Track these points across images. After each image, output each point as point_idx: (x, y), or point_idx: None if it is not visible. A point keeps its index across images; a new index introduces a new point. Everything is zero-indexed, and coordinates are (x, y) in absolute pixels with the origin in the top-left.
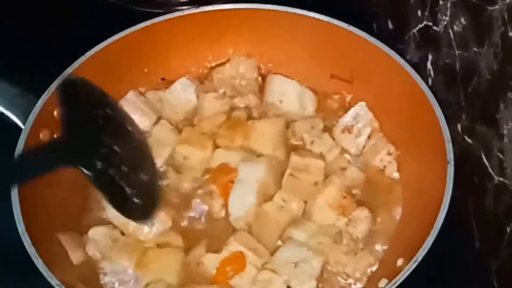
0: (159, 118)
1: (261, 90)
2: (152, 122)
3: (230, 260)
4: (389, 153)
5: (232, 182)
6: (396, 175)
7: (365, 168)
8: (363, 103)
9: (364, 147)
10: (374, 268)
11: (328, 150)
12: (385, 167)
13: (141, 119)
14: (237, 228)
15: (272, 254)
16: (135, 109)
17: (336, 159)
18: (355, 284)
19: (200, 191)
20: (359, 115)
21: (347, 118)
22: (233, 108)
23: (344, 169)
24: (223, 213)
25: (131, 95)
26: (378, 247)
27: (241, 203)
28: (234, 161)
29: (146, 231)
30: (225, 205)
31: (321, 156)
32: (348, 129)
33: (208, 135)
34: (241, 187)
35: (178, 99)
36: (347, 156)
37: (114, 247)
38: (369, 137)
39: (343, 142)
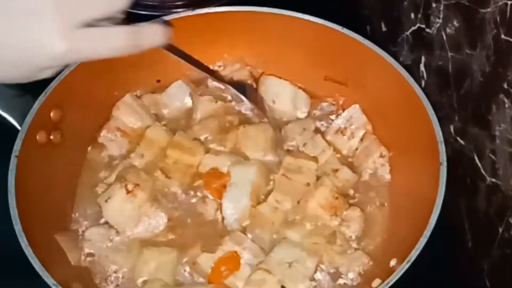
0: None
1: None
2: (147, 125)
3: (225, 260)
4: (381, 156)
5: (225, 186)
6: (388, 177)
7: (358, 170)
8: (357, 106)
9: (356, 149)
10: (367, 268)
11: (320, 152)
12: (377, 169)
13: (137, 123)
14: (232, 230)
15: (267, 254)
16: (132, 112)
17: (328, 161)
18: (349, 284)
19: (193, 196)
20: (353, 118)
21: (340, 120)
22: (227, 113)
23: (336, 170)
24: (217, 217)
25: (128, 98)
26: (371, 247)
27: (235, 205)
28: (224, 165)
29: (142, 231)
30: (219, 209)
31: (314, 158)
32: (341, 131)
33: (200, 141)
34: (234, 190)
35: (174, 102)
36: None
37: (111, 247)
38: (362, 139)
39: (336, 143)
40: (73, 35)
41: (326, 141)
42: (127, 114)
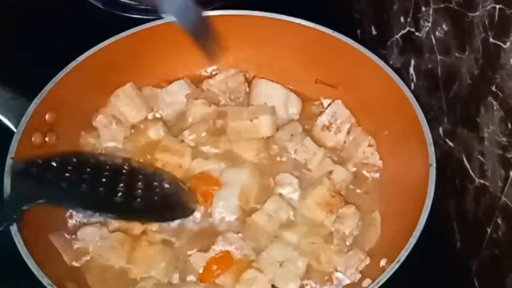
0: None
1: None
2: (141, 118)
3: (217, 259)
4: (370, 145)
5: (212, 191)
6: (379, 162)
7: (349, 164)
8: (339, 101)
9: (344, 142)
10: (365, 264)
11: (312, 155)
12: (368, 158)
13: (130, 113)
14: (220, 230)
15: (258, 254)
16: (130, 101)
17: (321, 164)
18: (345, 281)
19: None
20: (337, 113)
21: (325, 117)
22: (219, 117)
23: (330, 172)
24: (205, 219)
25: (128, 87)
26: (365, 246)
27: (224, 204)
28: (214, 170)
29: (135, 229)
30: (206, 212)
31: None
32: (327, 127)
33: (186, 143)
34: (225, 190)
35: (172, 100)
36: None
37: (104, 245)
38: (348, 132)
39: (324, 140)
40: None
41: (315, 141)
42: (124, 103)
